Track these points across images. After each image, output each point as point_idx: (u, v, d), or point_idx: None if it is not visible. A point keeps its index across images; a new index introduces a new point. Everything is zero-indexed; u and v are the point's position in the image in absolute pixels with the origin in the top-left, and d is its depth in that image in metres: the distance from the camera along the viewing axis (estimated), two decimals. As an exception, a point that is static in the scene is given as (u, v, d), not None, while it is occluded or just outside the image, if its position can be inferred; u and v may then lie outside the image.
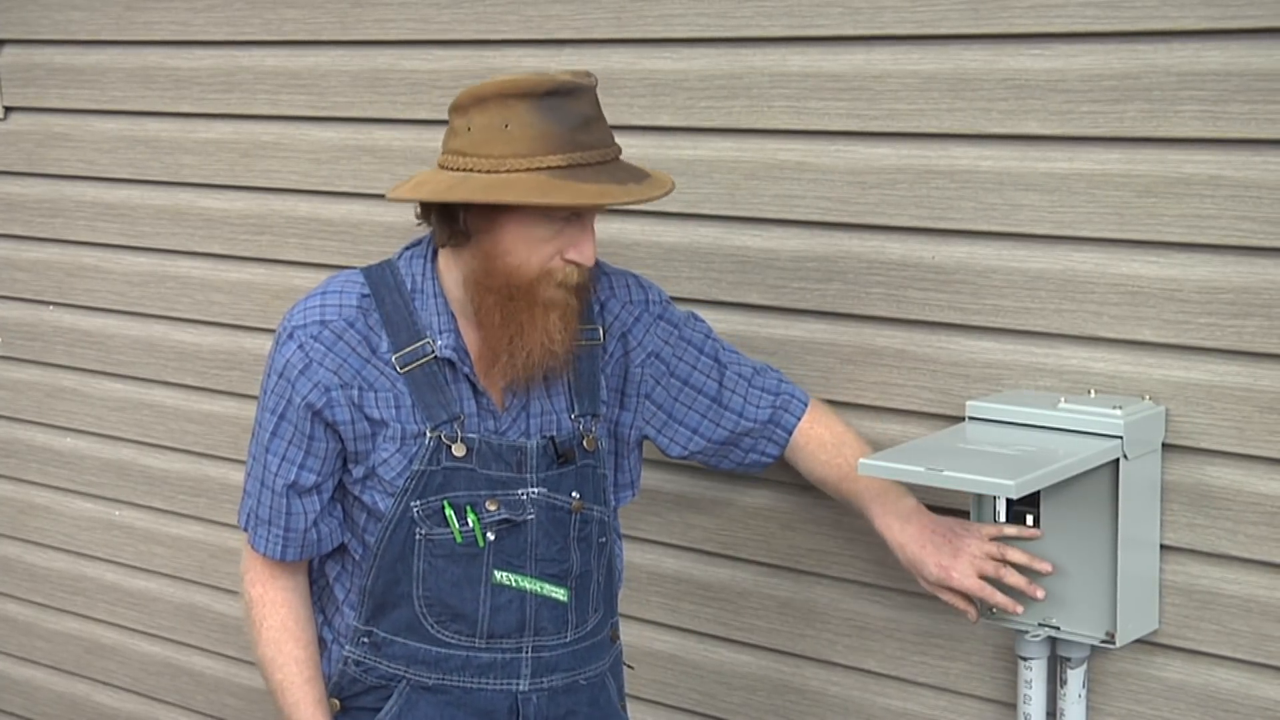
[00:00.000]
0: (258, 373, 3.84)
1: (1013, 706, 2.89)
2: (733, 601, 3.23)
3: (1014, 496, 2.53)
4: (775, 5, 2.99)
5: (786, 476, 3.02)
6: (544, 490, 2.68)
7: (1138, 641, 2.74)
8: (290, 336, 2.65)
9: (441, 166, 2.56)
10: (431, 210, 2.59)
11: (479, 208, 2.52)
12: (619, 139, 3.02)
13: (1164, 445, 2.70)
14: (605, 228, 3.21)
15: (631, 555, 3.23)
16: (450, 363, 2.65)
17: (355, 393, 2.64)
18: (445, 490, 2.64)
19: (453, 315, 2.64)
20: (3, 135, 4.26)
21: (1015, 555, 2.68)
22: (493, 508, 2.64)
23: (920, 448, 2.70)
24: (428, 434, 2.63)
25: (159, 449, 4.10)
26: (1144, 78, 2.64)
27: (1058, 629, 2.74)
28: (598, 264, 2.83)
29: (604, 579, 2.77)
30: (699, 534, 3.25)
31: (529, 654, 2.70)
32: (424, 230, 2.68)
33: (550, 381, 2.70)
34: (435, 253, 2.66)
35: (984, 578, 2.68)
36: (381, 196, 3.51)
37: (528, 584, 2.68)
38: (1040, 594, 2.68)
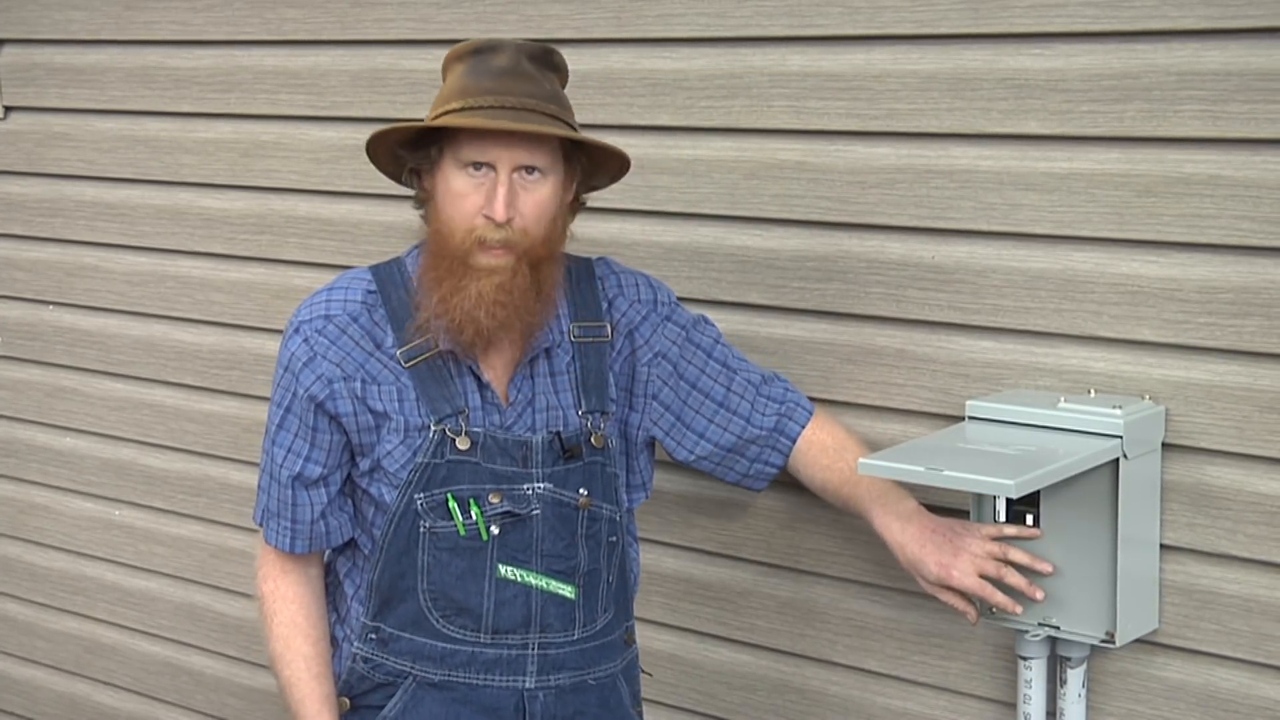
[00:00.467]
0: (258, 372, 3.85)
1: (1013, 706, 2.89)
2: (733, 601, 3.23)
3: (1014, 496, 2.53)
4: (775, 5, 2.99)
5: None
6: (550, 486, 2.68)
7: (1138, 641, 2.74)
8: (296, 331, 2.69)
9: None
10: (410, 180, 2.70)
11: (426, 172, 2.64)
12: (619, 139, 3.02)
13: (1164, 445, 2.70)
14: (605, 228, 3.22)
15: (631, 555, 3.24)
16: (455, 356, 2.66)
17: (358, 385, 2.65)
18: (449, 483, 2.64)
19: None
20: (3, 135, 4.26)
21: (1017, 555, 2.68)
22: (496, 500, 2.65)
23: (920, 447, 2.70)
24: (432, 427, 2.64)
25: (159, 449, 4.10)
26: (1144, 77, 2.64)
27: (1058, 629, 2.74)
28: (606, 262, 2.83)
29: (615, 579, 2.77)
30: (699, 533, 3.24)
31: (535, 651, 2.70)
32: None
33: (556, 377, 2.71)
34: None
35: (984, 577, 2.68)
36: (382, 196, 3.51)
37: (533, 579, 2.68)
38: (1040, 595, 2.68)
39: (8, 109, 4.23)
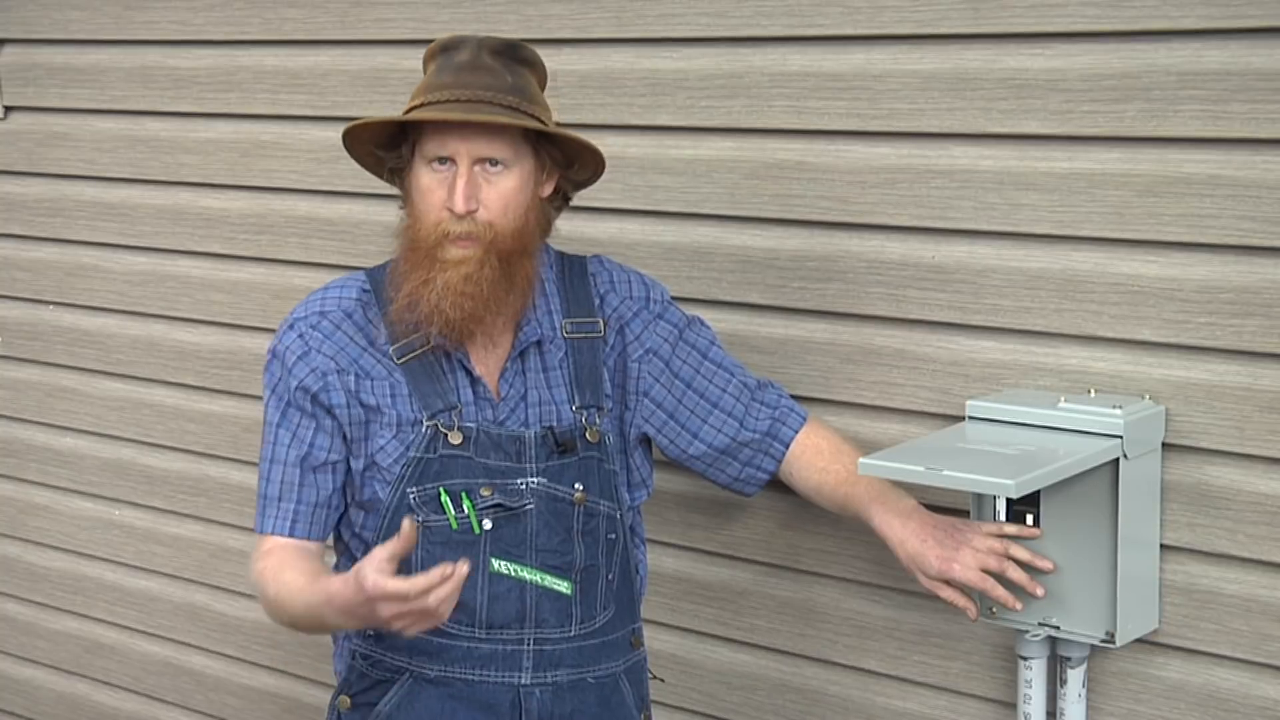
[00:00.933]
0: (258, 372, 3.83)
1: (1013, 706, 2.89)
2: (733, 601, 3.23)
3: (1014, 496, 2.53)
4: (775, 5, 2.99)
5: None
6: (544, 481, 2.68)
7: (1138, 641, 2.74)
8: (290, 327, 2.72)
9: None
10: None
11: (401, 170, 2.68)
12: (619, 139, 3.03)
13: (1164, 445, 2.70)
14: (605, 228, 3.22)
15: (631, 555, 3.24)
16: (447, 352, 2.66)
17: (351, 379, 2.67)
18: (442, 478, 2.64)
19: None
20: (3, 135, 4.26)
21: (1018, 552, 2.68)
22: (487, 494, 2.65)
23: (920, 447, 2.70)
24: (424, 422, 2.65)
25: (159, 448, 4.10)
26: (1144, 77, 2.64)
27: (1058, 628, 2.74)
28: (600, 260, 2.84)
29: (618, 578, 2.76)
30: (699, 533, 3.24)
31: (530, 646, 2.69)
32: None
33: (549, 372, 2.72)
34: None
35: (986, 572, 2.67)
36: (382, 197, 3.51)
37: (528, 574, 2.67)
38: (1041, 591, 2.68)
39: (8, 109, 4.23)
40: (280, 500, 2.71)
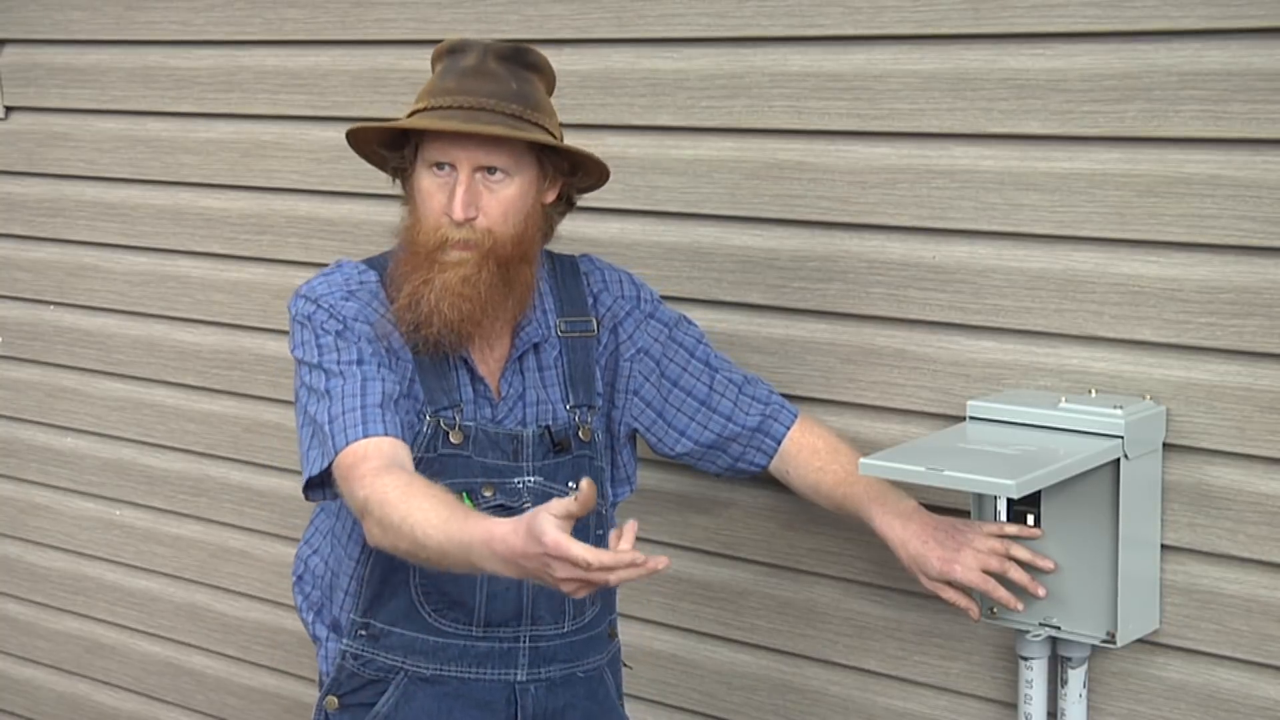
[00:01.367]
0: (258, 372, 3.85)
1: (1013, 706, 2.89)
2: (733, 601, 3.23)
3: (1015, 496, 2.53)
4: (776, 5, 2.99)
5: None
6: (540, 479, 2.68)
7: (1138, 641, 2.74)
8: (316, 303, 2.64)
9: None
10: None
11: (406, 172, 2.67)
12: (620, 139, 3.03)
13: (1165, 445, 2.70)
14: (605, 228, 3.22)
15: (632, 555, 3.23)
16: (451, 350, 2.66)
17: (385, 348, 2.63)
18: (441, 477, 2.64)
19: None
20: (3, 135, 4.26)
21: (1019, 552, 2.68)
22: (489, 494, 2.65)
23: (921, 447, 2.70)
24: (427, 417, 2.64)
25: (159, 449, 4.10)
26: (1145, 77, 2.64)
27: (1058, 629, 2.74)
28: (590, 259, 2.84)
29: None
30: (699, 533, 3.24)
31: (526, 643, 2.70)
32: None
33: (544, 371, 2.72)
34: None
35: (987, 572, 2.67)
36: (382, 197, 3.51)
37: None
38: (1042, 591, 2.68)
39: (9, 109, 4.23)
40: (345, 414, 2.52)
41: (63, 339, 4.24)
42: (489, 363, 2.71)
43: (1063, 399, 2.70)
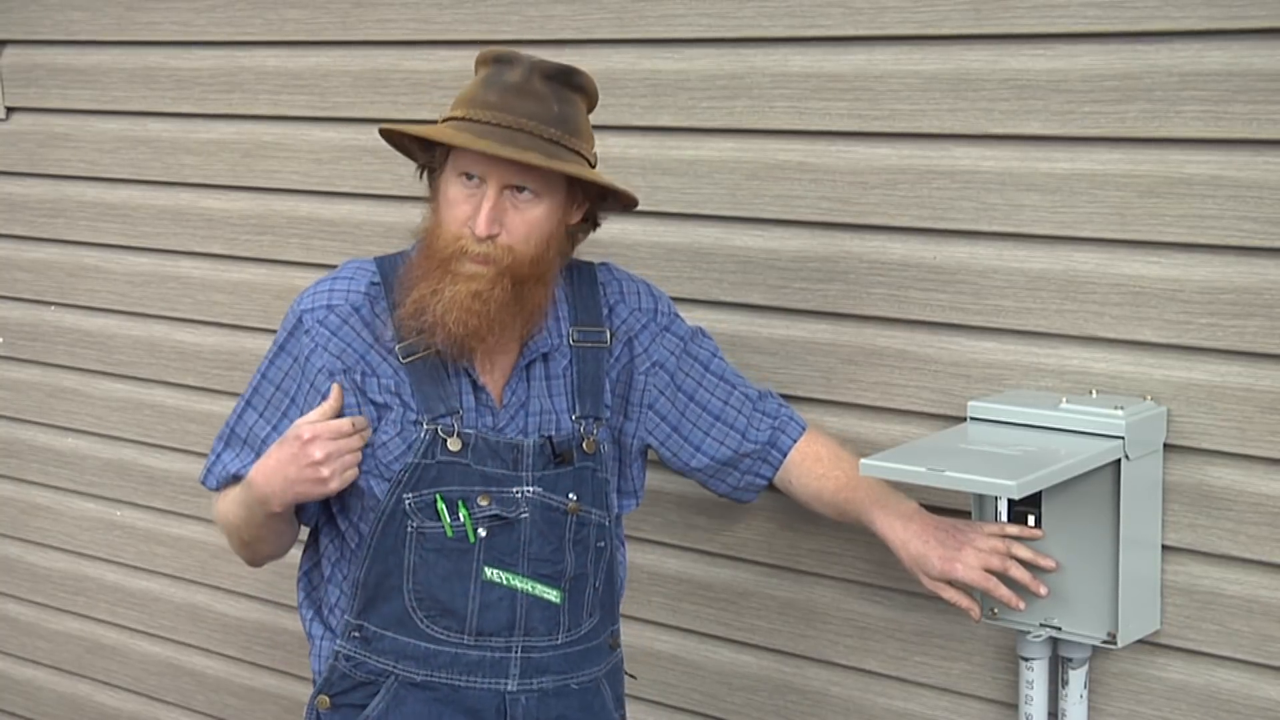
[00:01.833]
0: (259, 373, 3.85)
1: (1014, 707, 2.89)
2: (734, 602, 3.23)
3: (1016, 497, 2.53)
4: (777, 5, 2.99)
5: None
6: (539, 490, 2.68)
7: (1139, 642, 2.74)
8: (299, 321, 2.70)
9: None
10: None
11: (434, 171, 2.66)
12: (620, 139, 3.03)
13: (1165, 446, 2.70)
14: (606, 228, 3.20)
15: (633, 556, 3.23)
16: (451, 356, 2.66)
17: (358, 377, 2.66)
18: (439, 484, 2.64)
19: None
20: (4, 135, 4.26)
21: (1021, 551, 2.68)
22: (484, 503, 2.65)
23: (921, 448, 2.70)
24: (425, 425, 2.64)
25: (160, 449, 4.10)
26: (1146, 78, 2.64)
27: (1059, 629, 2.74)
28: (608, 267, 2.83)
29: (603, 584, 2.77)
30: (700, 534, 3.24)
31: (518, 654, 2.69)
32: None
33: (552, 380, 2.71)
34: None
35: (989, 572, 2.67)
36: (384, 197, 3.51)
37: (519, 583, 2.67)
38: (1044, 591, 2.68)
39: (10, 110, 4.24)
40: (247, 444, 2.74)
41: (64, 339, 4.24)
42: (493, 371, 2.69)
43: (1063, 399, 2.70)
